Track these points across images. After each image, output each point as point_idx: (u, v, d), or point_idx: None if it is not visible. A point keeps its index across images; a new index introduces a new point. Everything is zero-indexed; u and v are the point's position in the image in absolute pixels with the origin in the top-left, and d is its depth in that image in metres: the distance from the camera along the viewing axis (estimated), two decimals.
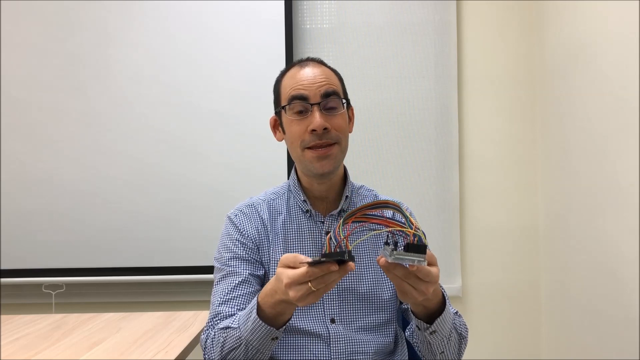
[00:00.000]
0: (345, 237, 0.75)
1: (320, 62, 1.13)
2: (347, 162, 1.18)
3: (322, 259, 0.75)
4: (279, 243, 1.12)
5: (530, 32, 2.24)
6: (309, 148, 1.07)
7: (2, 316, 1.61)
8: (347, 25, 2.24)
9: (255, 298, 0.94)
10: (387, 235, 0.79)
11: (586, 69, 1.80)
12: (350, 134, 1.14)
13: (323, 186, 1.13)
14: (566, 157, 1.97)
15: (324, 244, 1.12)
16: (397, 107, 2.23)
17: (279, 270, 0.84)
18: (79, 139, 2.17)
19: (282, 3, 2.16)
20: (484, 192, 2.25)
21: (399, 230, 0.76)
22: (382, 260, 0.80)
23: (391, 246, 0.77)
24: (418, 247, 0.75)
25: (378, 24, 2.23)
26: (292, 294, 0.80)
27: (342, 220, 0.78)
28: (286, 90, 1.09)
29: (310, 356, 1.06)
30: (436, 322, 0.93)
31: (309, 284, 0.78)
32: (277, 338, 0.93)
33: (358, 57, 2.24)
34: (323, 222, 1.13)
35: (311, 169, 1.08)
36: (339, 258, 0.75)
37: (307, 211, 1.14)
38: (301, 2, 2.24)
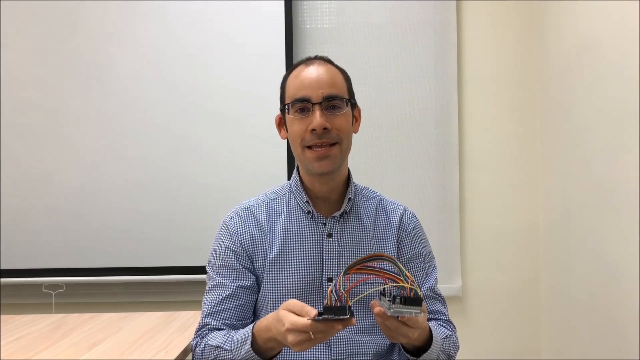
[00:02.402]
0: (346, 292, 0.81)
1: (327, 61, 1.12)
2: (348, 161, 1.17)
3: (328, 316, 0.80)
4: (277, 244, 1.11)
5: (530, 32, 2.24)
6: (309, 148, 1.06)
7: (2, 316, 1.61)
8: (347, 25, 2.24)
9: (251, 328, 0.98)
10: (384, 286, 0.85)
11: (586, 68, 1.80)
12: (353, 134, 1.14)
13: (325, 187, 1.12)
14: (566, 157, 1.97)
15: (325, 246, 1.11)
16: (397, 107, 2.23)
17: (282, 313, 0.86)
18: (79, 139, 2.17)
19: (282, 3, 2.16)
20: (484, 192, 2.25)
21: (395, 283, 0.82)
22: (377, 309, 0.84)
23: (388, 298, 0.83)
24: (414, 300, 0.81)
25: (378, 24, 2.23)
26: (290, 338, 0.83)
27: (342, 274, 0.82)
28: (290, 90, 1.09)
29: (311, 357, 1.07)
30: (423, 356, 1.00)
31: (310, 333, 0.81)
32: None
33: (358, 57, 2.23)
34: (325, 224, 1.12)
35: (310, 168, 1.07)
36: (341, 315, 0.80)
37: (308, 212, 1.12)
38: (301, 2, 2.24)
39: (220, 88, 2.16)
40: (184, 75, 2.17)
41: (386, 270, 0.83)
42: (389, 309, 0.82)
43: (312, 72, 1.07)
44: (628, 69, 1.54)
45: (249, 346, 0.95)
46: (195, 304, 2.10)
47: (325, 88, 1.05)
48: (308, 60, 1.11)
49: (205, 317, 1.09)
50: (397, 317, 0.85)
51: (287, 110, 1.09)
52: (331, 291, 0.81)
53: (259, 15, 2.16)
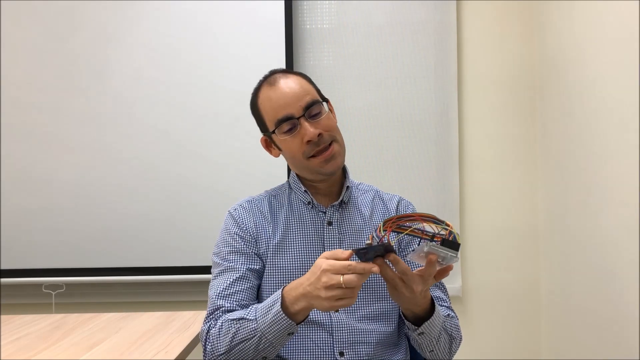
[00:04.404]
0: (387, 234, 0.84)
1: (286, 72, 1.15)
2: (348, 161, 1.19)
3: (366, 247, 0.83)
4: (280, 232, 1.14)
5: (530, 32, 2.24)
6: (312, 156, 1.10)
7: (2, 316, 1.61)
8: (347, 25, 2.24)
9: (280, 291, 0.97)
10: (419, 240, 0.86)
11: (586, 68, 1.80)
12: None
13: (326, 182, 1.17)
14: (566, 157, 1.97)
15: (325, 234, 1.15)
16: (397, 107, 2.23)
17: (319, 260, 0.89)
18: (79, 139, 2.17)
19: (282, 3, 2.16)
20: (484, 192, 2.25)
21: (434, 229, 0.84)
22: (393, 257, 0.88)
23: (427, 240, 0.84)
24: (452, 243, 0.83)
25: (378, 24, 2.23)
26: (324, 279, 0.85)
27: (381, 223, 0.85)
28: (269, 115, 1.11)
29: (313, 345, 1.07)
30: (424, 325, 1.00)
31: (341, 278, 0.84)
32: (292, 333, 0.96)
33: (358, 57, 2.23)
34: (325, 213, 1.16)
35: (320, 172, 1.11)
36: (379, 252, 0.84)
37: (309, 203, 1.17)
38: (301, 2, 2.24)
39: (221, 89, 2.16)
40: (184, 76, 2.17)
41: (425, 231, 0.85)
42: (426, 246, 0.82)
43: (283, 89, 1.10)
44: (628, 70, 1.54)
45: (279, 307, 0.93)
46: (195, 304, 2.11)
47: (301, 99, 1.09)
48: (270, 78, 1.13)
49: (216, 300, 1.07)
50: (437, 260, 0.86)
51: (273, 133, 1.11)
52: (372, 236, 0.84)
53: (259, 15, 2.16)
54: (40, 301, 2.17)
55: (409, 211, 1.22)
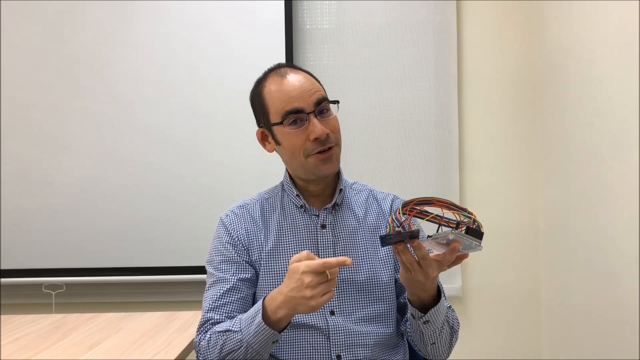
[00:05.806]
0: (407, 219, 0.83)
1: (295, 67, 1.13)
2: (347, 161, 1.18)
3: (393, 234, 0.83)
4: (272, 238, 1.13)
5: (530, 32, 2.24)
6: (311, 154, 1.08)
7: (2, 316, 1.61)
8: (347, 25, 2.24)
9: (260, 301, 0.97)
10: (439, 226, 0.86)
11: (586, 68, 1.80)
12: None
13: (320, 185, 1.15)
14: (566, 157, 1.97)
15: (319, 238, 1.13)
16: (397, 107, 2.23)
17: (293, 266, 0.90)
18: (79, 139, 2.17)
19: (282, 3, 2.16)
20: (484, 192, 2.25)
21: (456, 217, 0.83)
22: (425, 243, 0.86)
23: (452, 228, 0.84)
24: (477, 232, 0.83)
25: (378, 24, 2.23)
26: (307, 279, 0.87)
27: (400, 206, 0.85)
28: (276, 106, 1.08)
29: (310, 349, 1.07)
30: (430, 312, 0.99)
31: (327, 272, 0.87)
32: (277, 341, 0.97)
33: (358, 57, 2.23)
34: (318, 216, 1.14)
35: (316, 173, 1.09)
36: (404, 238, 0.83)
37: (301, 206, 1.15)
38: (301, 2, 2.24)
39: (221, 89, 2.16)
40: (184, 76, 2.17)
41: (445, 218, 0.85)
42: (451, 233, 0.81)
43: (294, 82, 1.07)
44: (628, 69, 1.54)
45: (260, 319, 0.94)
46: (196, 304, 2.10)
47: (313, 95, 1.07)
48: (279, 70, 1.11)
49: (207, 312, 1.08)
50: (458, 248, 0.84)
51: (280, 124, 1.08)
52: (392, 219, 0.85)
53: (259, 15, 2.16)
54: (40, 301, 2.17)
55: None
